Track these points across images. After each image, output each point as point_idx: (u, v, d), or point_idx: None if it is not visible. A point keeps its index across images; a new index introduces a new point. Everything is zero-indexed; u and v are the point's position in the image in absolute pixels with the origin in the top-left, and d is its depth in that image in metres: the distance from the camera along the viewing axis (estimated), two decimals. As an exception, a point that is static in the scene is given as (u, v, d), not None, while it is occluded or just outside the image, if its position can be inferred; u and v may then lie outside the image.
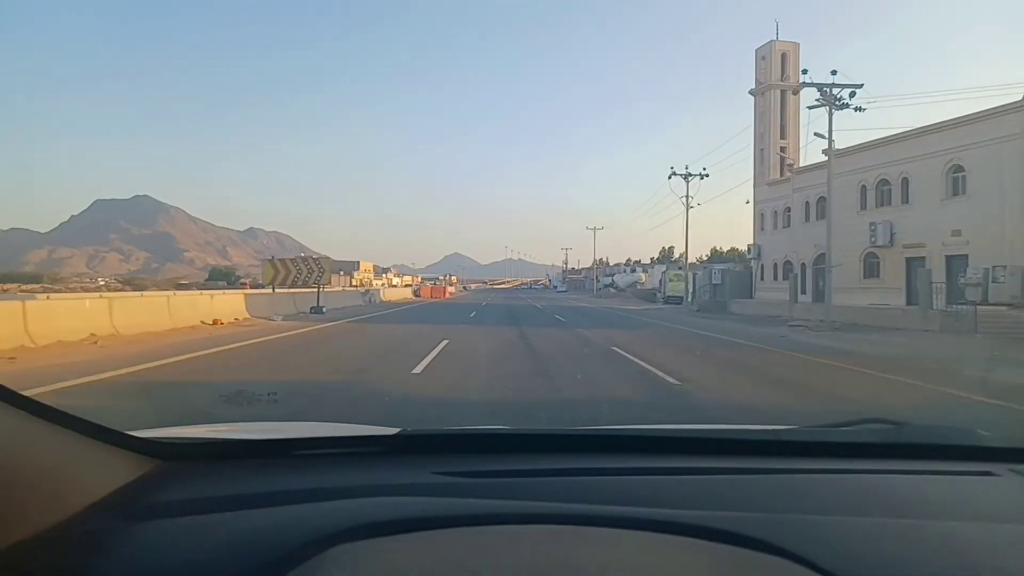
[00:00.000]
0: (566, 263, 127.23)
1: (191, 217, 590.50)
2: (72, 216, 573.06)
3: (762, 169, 37.75)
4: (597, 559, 0.79)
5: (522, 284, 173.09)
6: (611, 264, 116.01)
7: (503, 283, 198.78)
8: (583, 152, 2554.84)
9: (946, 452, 1.29)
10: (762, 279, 37.01)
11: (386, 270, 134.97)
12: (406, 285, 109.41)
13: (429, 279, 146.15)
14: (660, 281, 51.29)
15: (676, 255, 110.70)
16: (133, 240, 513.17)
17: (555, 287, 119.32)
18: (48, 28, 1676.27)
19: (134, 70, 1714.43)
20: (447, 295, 59.20)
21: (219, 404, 5.70)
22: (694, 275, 41.26)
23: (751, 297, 35.39)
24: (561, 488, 1.03)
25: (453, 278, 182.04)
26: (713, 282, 37.32)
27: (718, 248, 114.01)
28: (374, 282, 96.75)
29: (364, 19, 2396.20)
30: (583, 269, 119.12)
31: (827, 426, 1.48)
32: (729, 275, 38.82)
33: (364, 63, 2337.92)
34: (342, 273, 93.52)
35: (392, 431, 1.21)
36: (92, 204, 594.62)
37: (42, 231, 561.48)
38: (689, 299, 38.03)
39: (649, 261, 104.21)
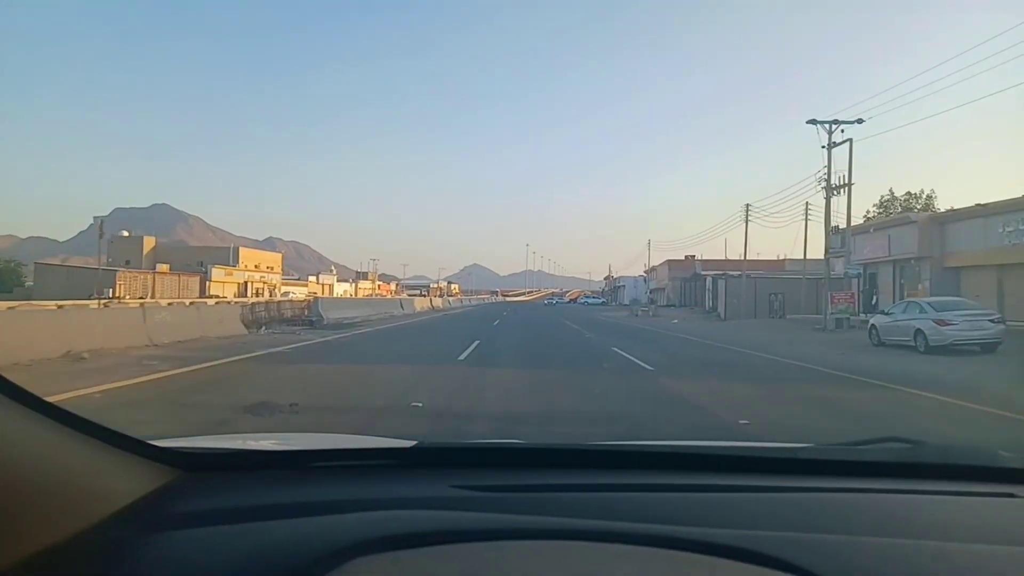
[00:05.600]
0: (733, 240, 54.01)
1: (209, 226, 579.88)
2: (91, 225, 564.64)
3: None
4: None
5: (551, 296, 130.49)
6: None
7: (522, 294, 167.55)
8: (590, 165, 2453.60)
9: (966, 473, 1.26)
10: None
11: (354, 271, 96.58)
12: (370, 294, 79.11)
13: (411, 288, 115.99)
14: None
15: None
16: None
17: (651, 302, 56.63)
18: (72, 38, 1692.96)
19: (157, 79, 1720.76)
20: None
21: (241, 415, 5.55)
22: None
23: None
24: (579, 504, 1.03)
25: (455, 287, 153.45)
26: None
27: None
28: (278, 289, 65.00)
29: (384, 28, 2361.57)
30: (727, 258, 47.36)
31: (845, 445, 1.47)
32: None
33: (385, 75, 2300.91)
34: (153, 270, 54.42)
35: (409, 443, 1.23)
36: (111, 212, 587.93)
37: (60, 240, 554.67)
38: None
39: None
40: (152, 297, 39.64)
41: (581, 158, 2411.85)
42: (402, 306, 35.24)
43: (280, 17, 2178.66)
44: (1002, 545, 0.91)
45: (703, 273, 50.07)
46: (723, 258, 51.49)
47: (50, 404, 0.80)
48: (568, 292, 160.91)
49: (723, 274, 42.09)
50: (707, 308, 43.48)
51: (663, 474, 1.20)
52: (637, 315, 42.76)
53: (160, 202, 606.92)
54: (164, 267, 55.87)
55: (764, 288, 37.70)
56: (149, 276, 48.11)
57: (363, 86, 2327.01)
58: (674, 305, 52.16)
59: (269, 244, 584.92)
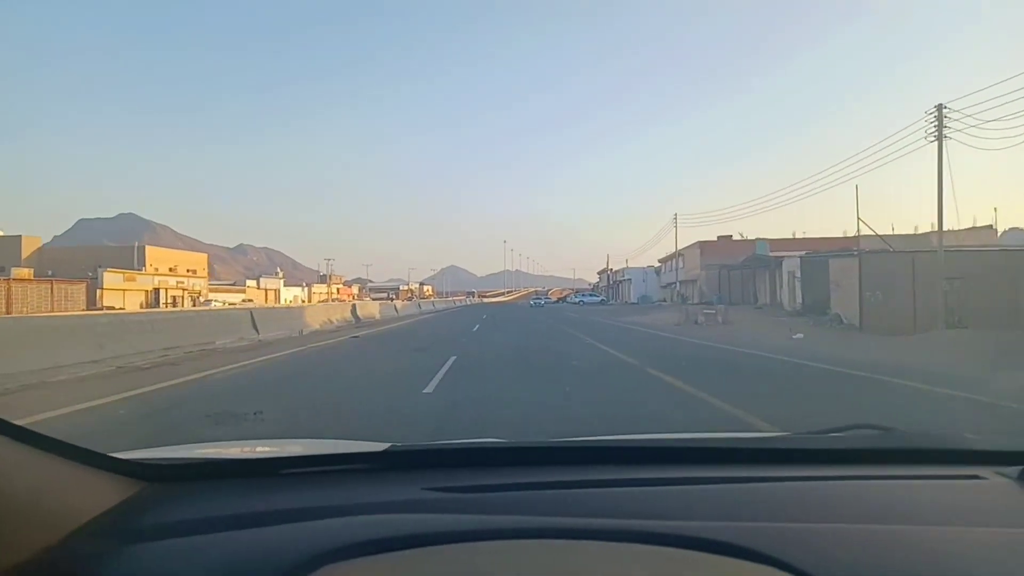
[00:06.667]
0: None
1: (178, 235, 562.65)
2: (55, 236, 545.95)
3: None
4: (593, 573, 0.79)
5: (536, 296, 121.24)
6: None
7: (500, 295, 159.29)
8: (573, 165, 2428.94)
9: (934, 457, 1.29)
10: None
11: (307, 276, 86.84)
12: (325, 299, 70.31)
13: (377, 290, 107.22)
14: None
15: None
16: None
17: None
18: (30, 40, 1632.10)
19: (120, 84, 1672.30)
20: None
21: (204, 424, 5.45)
22: None
23: None
24: (554, 501, 1.03)
25: (427, 289, 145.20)
26: None
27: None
28: (203, 296, 55.64)
29: (359, 24, 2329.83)
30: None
31: (816, 433, 1.51)
32: None
33: (358, 73, 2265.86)
34: (8, 276, 41.45)
35: (381, 447, 1.22)
36: (76, 224, 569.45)
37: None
38: None
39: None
40: (8, 312, 30.29)
41: (563, 149, 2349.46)
42: (254, 323, 15.45)
43: (254, 23, 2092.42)
44: (971, 526, 0.93)
45: (775, 255, 32.02)
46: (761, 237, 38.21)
47: (5, 421, 0.79)
48: (550, 291, 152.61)
49: (842, 253, 24.11)
50: (791, 308, 28.12)
51: (637, 469, 1.20)
52: (697, 322, 24.93)
53: (126, 211, 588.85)
54: (24, 271, 43.14)
55: (930, 271, 19.04)
56: (2, 284, 34.10)
57: (333, 88, 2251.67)
58: (711, 301, 35.34)
59: (240, 251, 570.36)
